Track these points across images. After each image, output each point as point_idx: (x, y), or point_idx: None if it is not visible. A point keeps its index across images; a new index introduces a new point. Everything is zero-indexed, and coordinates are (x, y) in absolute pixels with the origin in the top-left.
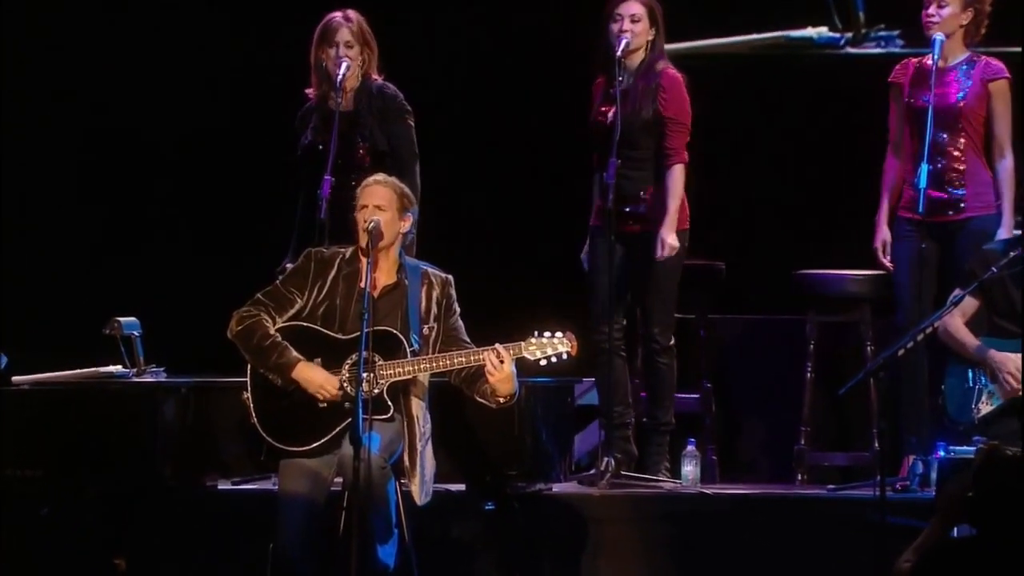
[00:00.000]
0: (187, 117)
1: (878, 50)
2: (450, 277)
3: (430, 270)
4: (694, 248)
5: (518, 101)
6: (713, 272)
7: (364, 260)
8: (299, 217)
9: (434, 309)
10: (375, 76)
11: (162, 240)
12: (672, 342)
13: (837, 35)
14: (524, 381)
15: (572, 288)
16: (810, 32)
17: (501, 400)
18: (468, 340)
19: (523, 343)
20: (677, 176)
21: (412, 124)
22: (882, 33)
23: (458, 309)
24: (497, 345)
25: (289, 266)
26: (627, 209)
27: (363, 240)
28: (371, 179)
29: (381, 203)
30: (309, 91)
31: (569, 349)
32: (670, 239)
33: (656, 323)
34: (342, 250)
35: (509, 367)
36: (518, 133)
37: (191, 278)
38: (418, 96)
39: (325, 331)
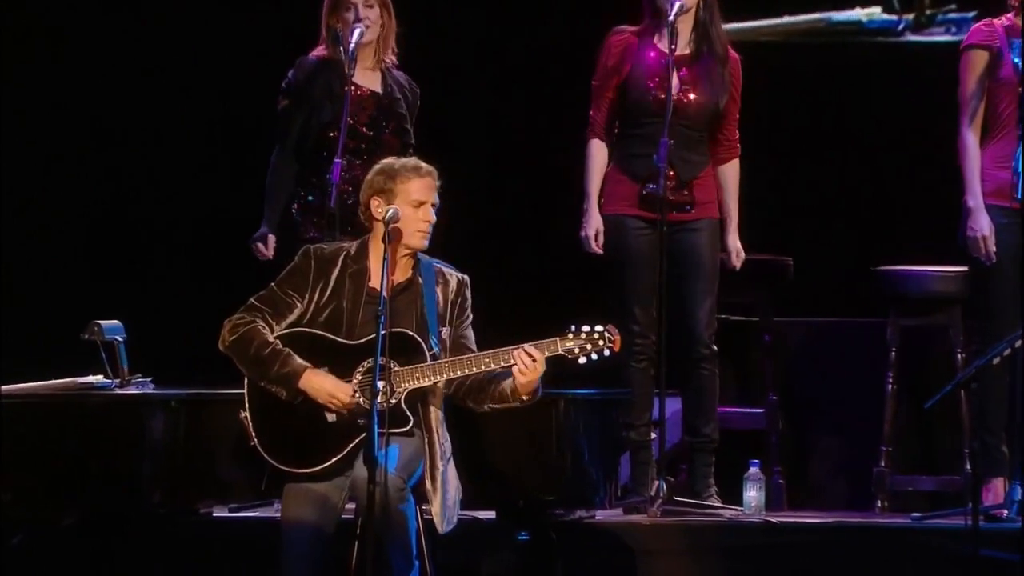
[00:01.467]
0: (180, 112)
1: (947, 37)
2: (466, 278)
3: (445, 268)
4: (757, 242)
5: (538, 86)
6: (779, 268)
7: (373, 256)
8: (281, 181)
9: (448, 311)
10: (390, 57)
11: (148, 237)
12: (715, 347)
13: (894, 18)
14: (563, 394)
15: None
16: (859, 14)
17: (525, 398)
18: (475, 348)
19: (558, 339)
20: (737, 171)
21: None
22: (952, 16)
23: (471, 316)
24: (524, 345)
25: (259, 245)
26: (678, 195)
27: (417, 244)
28: (422, 167)
29: (437, 201)
30: (317, 50)
31: (612, 345)
32: (738, 244)
33: (705, 325)
34: (345, 246)
35: (543, 366)
36: (537, 118)
37: (181, 278)
38: (439, 82)
39: (332, 336)
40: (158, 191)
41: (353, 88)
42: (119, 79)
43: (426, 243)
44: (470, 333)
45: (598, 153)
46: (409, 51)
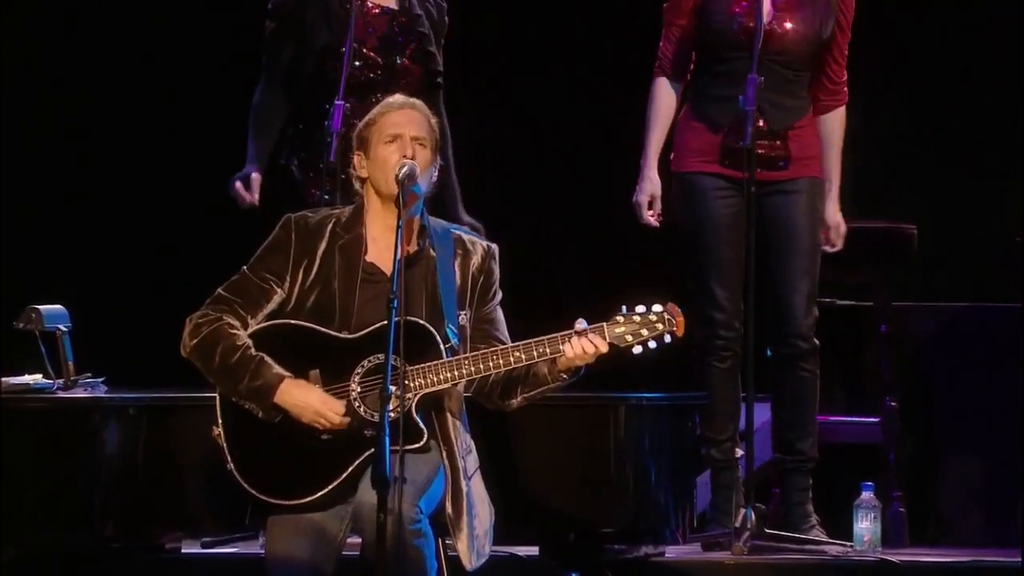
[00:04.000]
0: (147, 71)
1: None
2: (494, 247)
3: (466, 236)
4: (873, 206)
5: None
6: (900, 240)
7: (369, 223)
8: (266, 119)
9: (469, 289)
10: None
11: (100, 207)
12: (816, 341)
13: None
14: (624, 398)
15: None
16: None
17: (565, 376)
18: (506, 337)
19: (606, 324)
20: (843, 122)
21: None
22: None
23: (500, 294)
24: (579, 322)
25: (239, 185)
26: (769, 147)
27: (392, 190)
28: (398, 99)
29: (422, 135)
30: None
31: (674, 329)
32: (839, 217)
33: (802, 313)
34: (335, 213)
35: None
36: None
37: (139, 253)
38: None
39: (322, 329)
40: (110, 152)
41: (359, 3)
42: (65, 45)
43: (396, 196)
44: (498, 316)
45: (664, 95)
46: None
